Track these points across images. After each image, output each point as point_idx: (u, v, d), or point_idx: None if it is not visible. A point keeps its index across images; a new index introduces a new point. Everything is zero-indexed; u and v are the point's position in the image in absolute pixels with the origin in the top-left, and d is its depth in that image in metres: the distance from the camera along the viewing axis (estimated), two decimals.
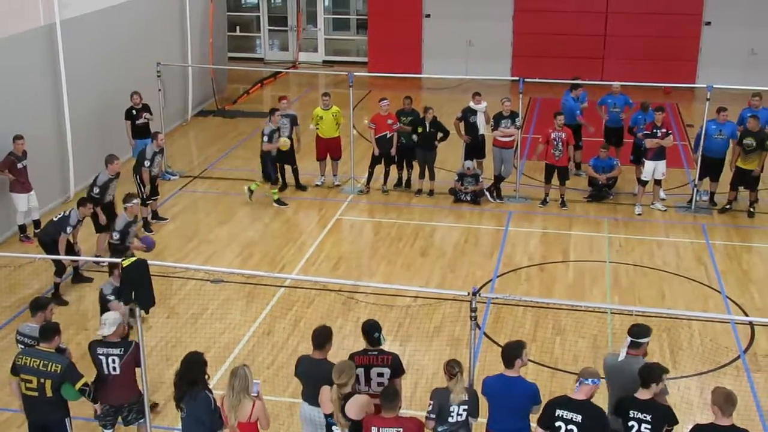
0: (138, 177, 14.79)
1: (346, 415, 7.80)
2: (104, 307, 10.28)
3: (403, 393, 8.39)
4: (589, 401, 7.61)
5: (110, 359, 8.53)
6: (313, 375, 8.35)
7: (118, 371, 8.55)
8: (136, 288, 8.30)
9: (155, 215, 15.41)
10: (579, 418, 7.47)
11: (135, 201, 12.60)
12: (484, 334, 11.64)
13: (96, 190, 13.70)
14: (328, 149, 17.01)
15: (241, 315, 12.23)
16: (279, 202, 16.25)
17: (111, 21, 17.70)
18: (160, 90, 17.78)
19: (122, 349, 8.57)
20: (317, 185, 17.21)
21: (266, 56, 28.92)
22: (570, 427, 7.49)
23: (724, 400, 7.29)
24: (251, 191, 16.28)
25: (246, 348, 11.42)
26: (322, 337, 8.42)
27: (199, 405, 7.88)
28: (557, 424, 7.54)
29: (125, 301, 8.55)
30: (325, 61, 28.36)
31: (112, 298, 10.21)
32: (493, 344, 11.18)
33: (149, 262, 8.40)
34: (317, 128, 16.83)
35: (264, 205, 16.35)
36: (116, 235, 12.25)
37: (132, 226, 12.48)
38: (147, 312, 8.60)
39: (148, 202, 14.95)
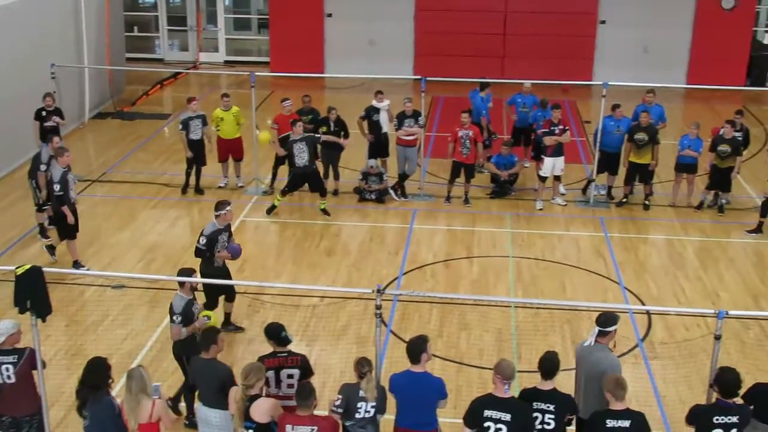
0: (34, 181, 14.33)
1: (251, 417, 7.74)
2: None
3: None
4: (515, 398, 7.73)
5: (4, 368, 8.28)
6: (203, 375, 8.34)
7: (13, 379, 8.31)
8: (30, 296, 8.07)
9: (52, 220, 14.95)
10: (508, 417, 7.53)
11: (228, 208, 11.32)
12: (391, 331, 11.69)
13: (57, 187, 12.97)
14: (230, 150, 16.82)
15: (144, 321, 11.99)
16: (324, 211, 15.69)
17: (1, 21, 17.12)
18: (54, 92, 17.29)
19: (16, 356, 8.33)
20: (220, 187, 17.00)
21: (166, 57, 28.43)
22: (499, 426, 7.53)
23: (615, 386, 7.52)
24: (273, 207, 15.82)
25: (150, 354, 11.19)
26: (206, 339, 8.40)
27: (103, 410, 7.72)
28: (486, 424, 7.57)
29: (20, 311, 8.29)
30: (226, 61, 28.06)
31: None
32: (399, 341, 11.23)
33: (45, 269, 8.18)
34: (218, 129, 16.63)
35: (166, 207, 16.07)
36: (203, 240, 11.13)
37: (221, 234, 11.23)
38: (44, 320, 8.35)
39: (44, 207, 14.50)
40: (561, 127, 15.85)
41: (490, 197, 16.73)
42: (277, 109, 17.03)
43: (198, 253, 11.19)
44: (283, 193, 15.75)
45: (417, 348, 8.13)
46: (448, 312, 12.25)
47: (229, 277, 11.39)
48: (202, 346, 8.41)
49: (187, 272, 9.61)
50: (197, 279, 9.95)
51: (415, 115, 16.46)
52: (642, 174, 16.02)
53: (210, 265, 11.18)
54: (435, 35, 25.36)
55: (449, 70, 21.70)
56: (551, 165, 15.96)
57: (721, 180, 15.83)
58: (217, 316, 9.64)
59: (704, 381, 8.40)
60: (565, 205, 16.39)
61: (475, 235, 15.14)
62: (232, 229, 14.91)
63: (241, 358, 10.60)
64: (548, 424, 7.70)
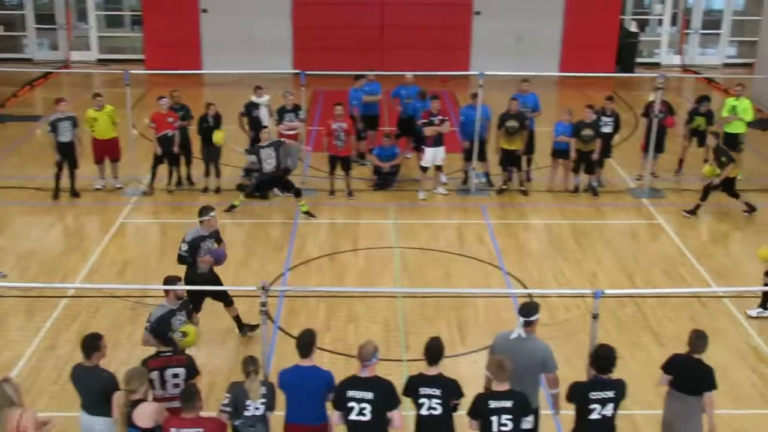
0: None
1: (134, 422, 7.57)
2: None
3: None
4: (377, 377, 7.84)
5: None
6: (85, 383, 8.12)
7: None
8: None
9: None
10: (370, 395, 7.68)
11: (212, 213, 10.95)
12: (279, 327, 11.63)
13: None
14: (106, 151, 16.37)
15: (21, 330, 11.57)
16: (308, 214, 15.35)
17: None
18: None
19: None
20: (97, 189, 16.54)
21: (35, 56, 27.45)
22: (362, 405, 7.68)
23: (496, 368, 7.71)
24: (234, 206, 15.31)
25: (28, 365, 10.81)
26: (87, 346, 8.16)
27: None
28: (350, 404, 7.71)
29: None
30: (99, 60, 27.29)
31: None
32: (288, 337, 11.17)
33: None
34: (92, 130, 16.17)
35: (40, 213, 15.54)
36: (184, 246, 10.83)
37: (205, 240, 10.87)
38: None
39: None
40: (440, 117, 16.05)
41: (373, 189, 16.82)
42: (153, 107, 16.67)
43: (180, 260, 10.88)
44: (248, 195, 15.49)
45: (305, 342, 8.13)
46: (335, 305, 12.27)
47: (218, 283, 11.05)
48: (84, 354, 8.18)
49: (173, 280, 9.32)
50: (183, 287, 9.56)
51: (296, 109, 16.42)
52: (512, 160, 16.38)
53: (194, 272, 10.86)
54: (313, 29, 25.33)
55: (329, 64, 21.72)
56: (432, 155, 16.16)
57: (585, 163, 16.33)
58: (195, 334, 9.17)
59: (585, 359, 8.66)
60: (447, 194, 16.63)
61: (360, 228, 15.20)
62: (112, 232, 14.66)
63: (125, 362, 10.34)
64: (435, 409, 7.83)
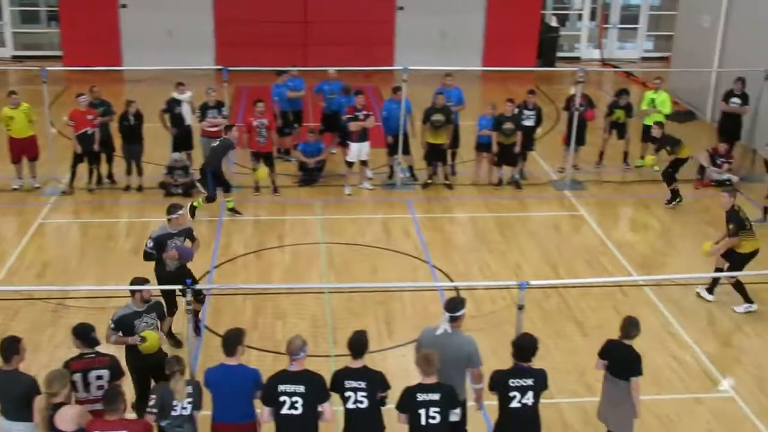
0: None
1: (56, 426, 7.41)
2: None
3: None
4: (307, 370, 7.84)
5: None
6: (4, 388, 7.91)
7: None
8: None
9: None
10: (301, 388, 7.68)
11: (180, 212, 10.84)
12: (205, 326, 11.50)
13: None
14: (23, 150, 15.95)
15: None
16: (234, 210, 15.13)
17: None
18: None
19: None
20: (15, 189, 16.11)
21: None
22: (294, 399, 7.67)
23: (424, 362, 7.77)
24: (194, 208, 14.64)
25: None
26: (5, 349, 7.96)
27: None
28: (281, 399, 7.69)
29: None
30: (14, 57, 26.54)
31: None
32: (214, 336, 11.06)
33: None
34: (9, 129, 15.74)
35: None
36: (150, 243, 10.69)
37: (173, 238, 10.72)
38: None
39: None
40: (365, 112, 16.06)
41: (298, 185, 16.75)
42: (72, 104, 16.30)
43: (146, 256, 10.78)
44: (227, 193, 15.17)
45: (232, 340, 8.07)
46: (262, 302, 12.20)
47: (186, 278, 10.60)
48: (3, 358, 7.96)
49: (139, 282, 9.17)
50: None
51: (219, 105, 16.26)
52: (438, 154, 16.49)
53: (163, 269, 10.73)
54: (235, 24, 25.06)
55: (252, 60, 21.49)
56: (357, 150, 16.16)
57: (508, 156, 16.54)
58: (154, 340, 8.95)
59: (510, 350, 8.76)
60: (373, 189, 16.66)
61: (286, 224, 15.13)
62: (30, 233, 14.31)
63: (46, 366, 10.09)
64: (361, 402, 7.85)
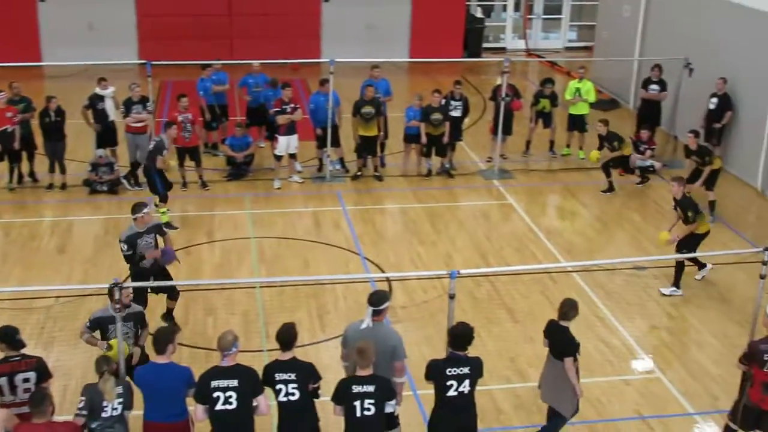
0: None
1: None
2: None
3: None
4: (239, 364, 7.80)
5: None
6: None
7: None
8: None
9: None
10: (234, 382, 7.64)
11: (145, 210, 10.70)
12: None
13: None
14: None
15: None
16: (168, 225, 13.87)
17: None
18: None
19: None
20: None
21: None
22: (228, 393, 7.63)
23: (358, 354, 7.78)
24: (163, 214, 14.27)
25: None
26: None
27: None
28: (215, 395, 7.64)
29: None
30: None
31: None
32: None
33: None
34: None
35: None
36: (124, 246, 10.60)
37: (141, 237, 10.62)
38: None
39: None
40: (292, 105, 15.98)
41: (227, 180, 16.59)
42: None
43: (127, 259, 10.74)
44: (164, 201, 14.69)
45: (164, 338, 7.98)
46: (192, 299, 12.05)
47: (163, 274, 10.87)
48: None
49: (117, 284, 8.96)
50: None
51: (143, 100, 15.98)
52: (370, 146, 16.52)
53: (139, 269, 10.71)
54: (158, 18, 24.61)
55: (176, 54, 21.23)
56: (285, 143, 16.07)
57: (437, 146, 16.64)
58: (116, 351, 8.67)
59: (444, 339, 8.83)
60: (303, 182, 16.59)
61: (215, 219, 14.97)
62: None
63: None
64: (293, 394, 7.84)
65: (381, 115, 16.37)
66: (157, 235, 10.89)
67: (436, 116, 16.36)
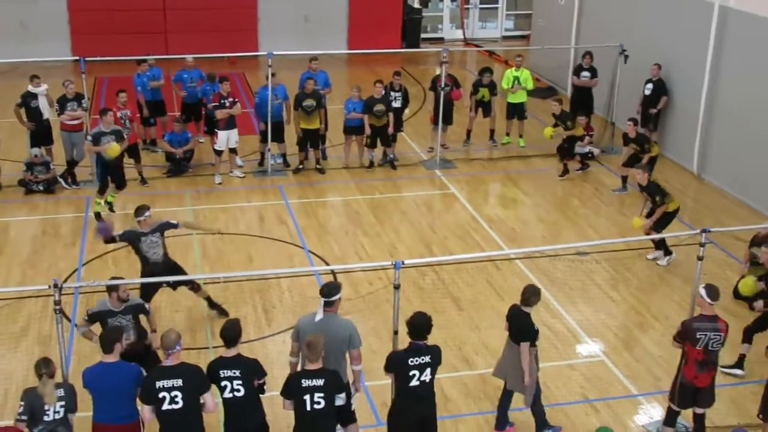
0: None
1: None
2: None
3: None
4: (183, 363, 7.76)
5: None
6: None
7: None
8: None
9: None
10: (179, 381, 7.58)
11: (147, 213, 10.91)
12: (76, 325, 11.11)
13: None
14: None
15: None
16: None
17: None
18: None
19: None
20: None
21: None
22: (174, 393, 7.57)
23: (307, 348, 7.76)
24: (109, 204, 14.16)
25: None
26: None
27: None
28: (161, 395, 7.58)
29: None
30: None
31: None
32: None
33: None
34: None
35: None
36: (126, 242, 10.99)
37: (146, 236, 10.87)
38: None
39: None
40: (231, 99, 15.83)
41: (167, 176, 16.37)
42: None
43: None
44: (101, 193, 14.48)
45: (111, 337, 7.87)
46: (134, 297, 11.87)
47: (175, 270, 11.08)
48: None
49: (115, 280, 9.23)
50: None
51: (78, 98, 15.68)
52: (313, 139, 16.45)
53: (146, 264, 10.87)
54: (91, 13, 24.14)
55: (110, 49, 20.85)
56: (225, 138, 15.92)
57: (381, 137, 16.65)
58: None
59: (390, 330, 8.84)
60: (244, 176, 16.46)
61: (155, 216, 14.58)
62: None
63: None
64: (238, 390, 7.81)
65: (322, 107, 16.30)
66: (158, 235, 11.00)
67: (379, 107, 16.35)
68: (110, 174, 14.39)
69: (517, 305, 9.07)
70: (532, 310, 9.00)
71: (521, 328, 8.95)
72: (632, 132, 15.18)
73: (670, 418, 9.20)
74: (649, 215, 13.06)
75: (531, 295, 8.98)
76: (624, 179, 15.97)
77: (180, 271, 11.18)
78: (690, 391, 8.95)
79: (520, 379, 9.04)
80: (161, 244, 10.93)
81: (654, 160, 15.09)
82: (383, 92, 16.50)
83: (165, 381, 7.59)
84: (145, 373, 7.91)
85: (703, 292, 8.85)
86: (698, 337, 8.68)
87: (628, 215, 14.97)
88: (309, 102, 16.03)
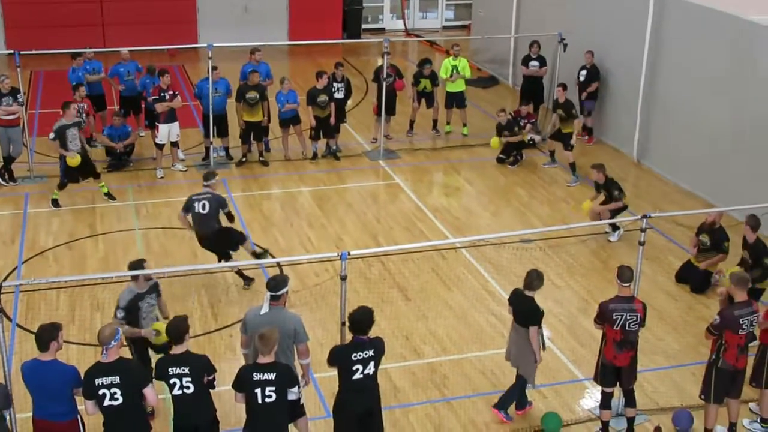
0: None
1: None
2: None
3: None
4: (120, 359, 7.68)
5: None
6: None
7: None
8: None
9: None
10: (117, 379, 7.51)
11: (214, 180, 12.33)
12: (18, 325, 10.92)
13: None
14: None
15: None
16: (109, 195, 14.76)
17: None
18: None
19: None
20: None
21: None
22: (113, 390, 7.51)
23: (259, 342, 7.71)
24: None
25: None
26: None
27: None
28: (101, 392, 7.52)
29: None
30: None
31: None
32: (29, 334, 10.50)
33: None
34: None
35: None
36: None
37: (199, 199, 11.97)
38: None
39: None
40: (171, 92, 15.64)
41: (107, 171, 16.09)
42: None
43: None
44: (60, 188, 14.31)
45: (45, 336, 7.74)
46: (77, 295, 11.71)
47: (228, 237, 12.08)
48: None
49: (139, 265, 9.12)
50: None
51: (14, 92, 15.32)
52: (256, 131, 16.35)
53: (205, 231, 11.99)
54: (25, 5, 23.63)
55: (46, 42, 20.44)
56: (167, 131, 15.74)
57: (324, 128, 16.61)
58: (164, 335, 8.52)
59: (338, 321, 8.83)
60: (186, 170, 16.28)
61: (97, 212, 14.54)
62: None
63: None
64: (188, 387, 7.76)
65: (265, 99, 16.19)
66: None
67: (322, 98, 16.29)
68: (80, 171, 14.43)
69: (519, 289, 9.30)
70: (535, 294, 9.22)
71: (528, 312, 9.20)
72: (561, 97, 15.86)
73: (605, 400, 9.38)
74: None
75: (534, 279, 9.21)
76: (551, 153, 16.66)
77: (229, 235, 12.11)
78: (611, 371, 9.21)
79: (524, 360, 9.32)
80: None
81: (569, 135, 15.93)
82: (326, 83, 16.44)
83: (103, 378, 7.51)
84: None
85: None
86: (615, 318, 8.93)
87: (571, 202, 15.20)
88: (252, 94, 15.91)
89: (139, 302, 9.12)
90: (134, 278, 9.16)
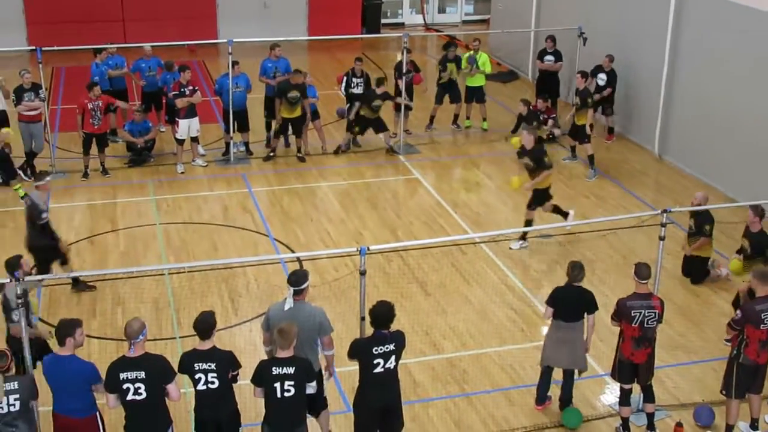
0: None
1: None
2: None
3: None
4: (147, 354, 7.69)
5: None
6: None
7: None
8: None
9: None
10: (142, 374, 7.53)
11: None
12: (40, 318, 10.99)
13: None
14: None
15: None
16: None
17: None
18: None
19: None
20: None
21: None
22: (137, 385, 7.53)
23: (279, 336, 7.72)
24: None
25: None
26: None
27: None
28: (125, 386, 7.54)
29: None
30: None
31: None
32: (51, 328, 10.58)
33: None
34: None
35: None
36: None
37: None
38: None
39: None
40: (191, 87, 15.70)
41: (129, 166, 16.21)
42: None
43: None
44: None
45: (63, 332, 7.79)
46: (99, 289, 11.81)
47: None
48: None
49: (14, 260, 9.04)
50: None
51: (35, 88, 15.44)
52: (295, 126, 16.34)
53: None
54: (47, 2, 23.80)
55: (68, 39, 20.51)
56: (186, 127, 15.80)
57: (374, 126, 16.67)
58: None
59: (357, 316, 8.85)
60: (206, 165, 16.35)
61: (118, 207, 14.64)
62: None
63: None
64: (213, 383, 7.77)
65: (306, 98, 16.17)
66: None
67: (293, 94, 16.07)
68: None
69: (563, 286, 9.30)
70: (582, 285, 9.27)
71: (586, 301, 9.22)
72: (581, 84, 15.88)
73: (624, 397, 9.34)
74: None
75: (579, 271, 9.23)
76: (573, 149, 16.72)
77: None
78: (628, 368, 9.16)
79: (578, 355, 9.34)
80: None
81: (584, 128, 15.75)
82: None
83: (128, 373, 7.53)
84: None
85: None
86: (633, 315, 8.88)
87: (591, 197, 15.14)
88: (294, 93, 15.87)
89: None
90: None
